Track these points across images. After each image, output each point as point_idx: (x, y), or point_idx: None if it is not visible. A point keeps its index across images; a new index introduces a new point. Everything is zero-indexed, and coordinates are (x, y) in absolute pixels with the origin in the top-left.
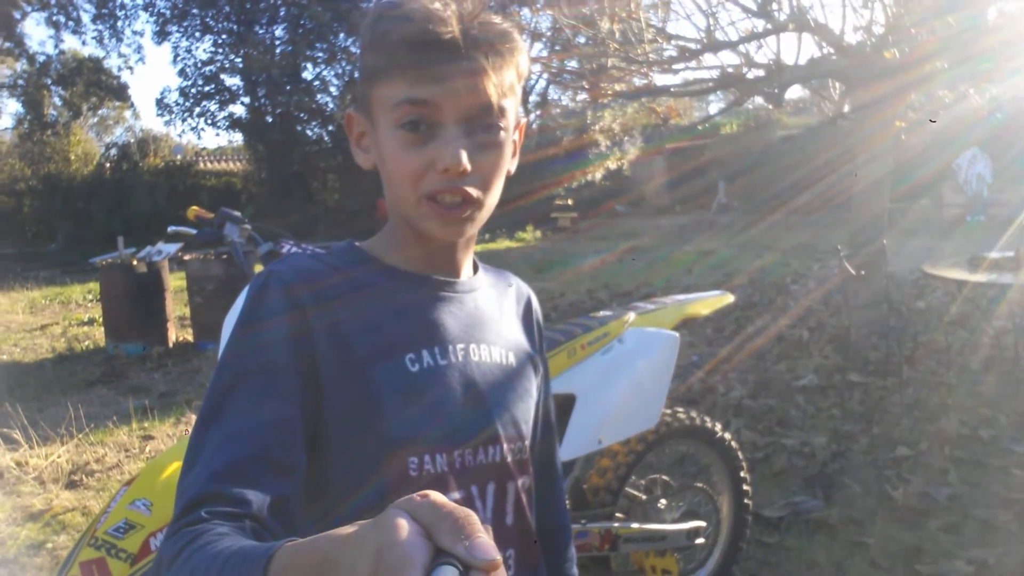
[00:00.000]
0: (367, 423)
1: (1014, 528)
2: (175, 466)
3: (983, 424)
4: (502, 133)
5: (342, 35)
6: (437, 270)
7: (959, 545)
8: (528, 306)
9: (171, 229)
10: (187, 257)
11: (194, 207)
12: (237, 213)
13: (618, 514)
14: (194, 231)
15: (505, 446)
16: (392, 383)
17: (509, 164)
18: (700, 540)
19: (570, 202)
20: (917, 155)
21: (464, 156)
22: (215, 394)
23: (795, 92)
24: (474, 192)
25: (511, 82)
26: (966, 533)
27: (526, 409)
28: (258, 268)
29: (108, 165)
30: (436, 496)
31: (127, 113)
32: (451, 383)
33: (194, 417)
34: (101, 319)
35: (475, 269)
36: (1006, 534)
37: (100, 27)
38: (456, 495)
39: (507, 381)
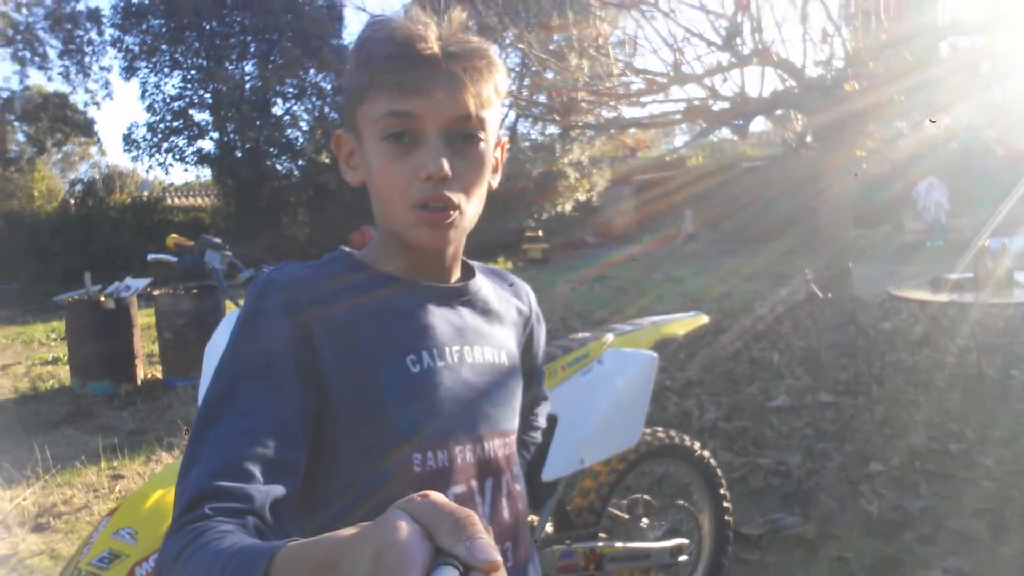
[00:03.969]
0: (371, 422)
1: (986, 537)
2: (159, 494)
3: (951, 438)
4: (481, 144)
5: (312, 71)
6: (428, 277)
7: (935, 555)
8: (528, 302)
9: (151, 257)
10: (156, 293)
11: (173, 235)
12: (218, 240)
13: (602, 534)
14: (174, 259)
15: (498, 441)
16: (395, 383)
17: (491, 179)
18: (683, 557)
19: (540, 233)
20: (877, 183)
21: (445, 163)
22: (215, 394)
23: (759, 124)
24: (455, 198)
25: (489, 95)
26: (941, 543)
27: (514, 407)
28: (241, 299)
29: (73, 202)
30: (437, 496)
31: (92, 149)
32: (449, 383)
33: (164, 455)
34: (66, 358)
35: (472, 273)
36: (979, 543)
37: (67, 63)
38: (459, 489)
39: (499, 380)
